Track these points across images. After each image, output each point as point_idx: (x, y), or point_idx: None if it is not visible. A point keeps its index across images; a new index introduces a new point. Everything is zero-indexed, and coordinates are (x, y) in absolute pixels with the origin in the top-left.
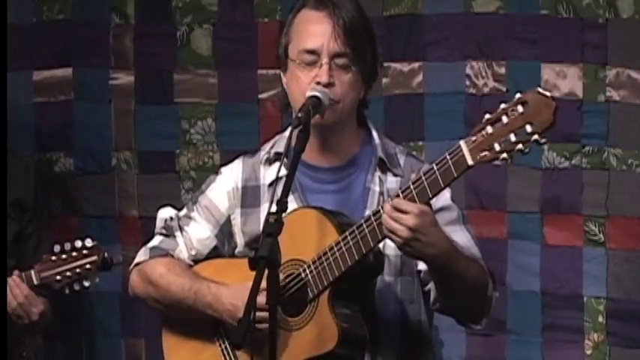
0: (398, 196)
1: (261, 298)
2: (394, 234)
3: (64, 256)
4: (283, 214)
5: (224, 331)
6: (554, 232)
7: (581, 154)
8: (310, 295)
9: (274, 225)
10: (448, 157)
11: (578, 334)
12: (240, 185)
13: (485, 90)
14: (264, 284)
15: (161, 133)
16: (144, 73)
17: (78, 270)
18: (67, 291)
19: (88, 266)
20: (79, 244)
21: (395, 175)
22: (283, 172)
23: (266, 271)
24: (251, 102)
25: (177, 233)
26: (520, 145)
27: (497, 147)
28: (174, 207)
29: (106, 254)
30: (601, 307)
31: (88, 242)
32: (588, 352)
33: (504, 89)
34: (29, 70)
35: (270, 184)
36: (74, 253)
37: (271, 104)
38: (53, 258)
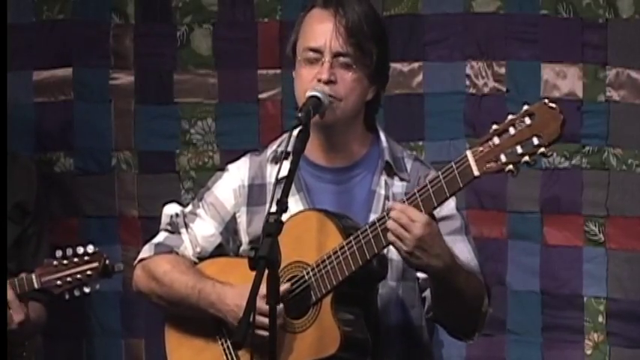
0: (403, 202)
1: (262, 303)
2: (400, 241)
3: (65, 261)
4: (288, 216)
5: (227, 330)
6: (554, 232)
7: (581, 154)
8: (313, 298)
9: (274, 225)
10: (454, 166)
11: (578, 334)
12: (246, 183)
13: (485, 90)
14: (264, 290)
15: (161, 133)
16: (144, 73)
17: (79, 276)
18: (67, 296)
19: (88, 273)
20: (80, 250)
21: (401, 179)
22: (284, 172)
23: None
24: (251, 102)
25: (183, 230)
26: (526, 157)
27: (503, 158)
28: (179, 203)
29: (107, 261)
30: (601, 307)
31: (90, 248)
32: (588, 352)
33: (504, 89)
34: (29, 70)
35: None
36: (75, 259)
37: (271, 104)
38: (54, 263)
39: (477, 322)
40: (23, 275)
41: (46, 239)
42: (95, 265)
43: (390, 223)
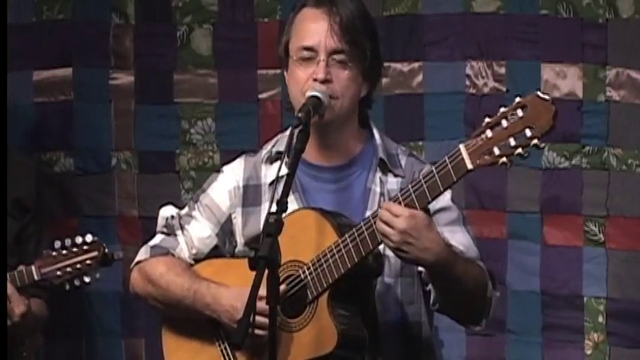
0: (397, 198)
1: (261, 304)
2: (386, 237)
3: (64, 251)
4: (283, 215)
5: (223, 332)
6: (554, 232)
7: (581, 154)
8: (310, 296)
9: (274, 225)
10: (447, 160)
11: (578, 334)
12: (241, 184)
13: (485, 90)
14: (264, 291)
15: (161, 133)
16: (144, 73)
17: (78, 266)
18: (67, 287)
19: (88, 262)
20: (79, 239)
21: (396, 175)
22: (284, 171)
23: (266, 272)
24: (251, 102)
25: (179, 232)
26: (519, 150)
27: (496, 151)
28: (175, 205)
29: (106, 250)
30: (601, 307)
31: (88, 238)
32: (588, 352)
33: (504, 89)
34: (29, 70)
35: (271, 183)
36: (74, 249)
37: (271, 104)
38: (54, 254)
39: (483, 308)
40: (22, 267)
41: (47, 236)
42: (95, 254)
43: (377, 222)
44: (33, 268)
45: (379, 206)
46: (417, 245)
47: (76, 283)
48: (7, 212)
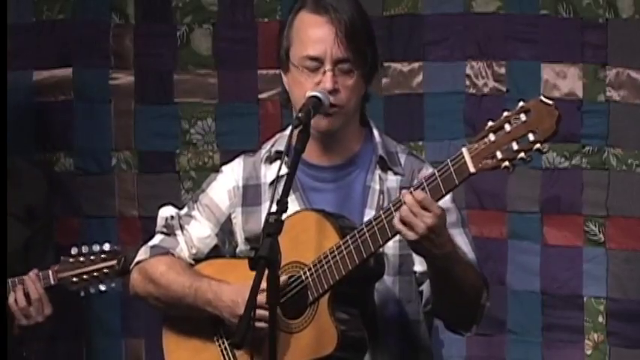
0: (399, 201)
1: (261, 297)
2: (411, 228)
3: (81, 258)
4: (285, 216)
5: (224, 330)
6: (554, 232)
7: (581, 154)
8: (310, 297)
9: (274, 225)
10: (450, 163)
11: (578, 334)
12: (241, 184)
13: (485, 90)
14: (264, 285)
15: (161, 133)
16: (144, 73)
17: (95, 273)
18: (82, 293)
19: (105, 270)
20: (96, 247)
21: (395, 173)
22: (284, 171)
23: (266, 271)
24: (251, 102)
25: (178, 232)
26: (522, 154)
27: (499, 155)
28: (175, 206)
29: (125, 259)
30: (601, 307)
31: (106, 246)
32: (588, 352)
33: (504, 89)
34: (29, 70)
35: (271, 183)
36: (92, 257)
37: (271, 104)
38: (71, 260)
39: (476, 314)
40: (38, 272)
41: (53, 243)
42: (112, 263)
43: (402, 209)
44: (49, 272)
45: (378, 204)
46: (435, 242)
47: (92, 290)
48: (18, 217)
